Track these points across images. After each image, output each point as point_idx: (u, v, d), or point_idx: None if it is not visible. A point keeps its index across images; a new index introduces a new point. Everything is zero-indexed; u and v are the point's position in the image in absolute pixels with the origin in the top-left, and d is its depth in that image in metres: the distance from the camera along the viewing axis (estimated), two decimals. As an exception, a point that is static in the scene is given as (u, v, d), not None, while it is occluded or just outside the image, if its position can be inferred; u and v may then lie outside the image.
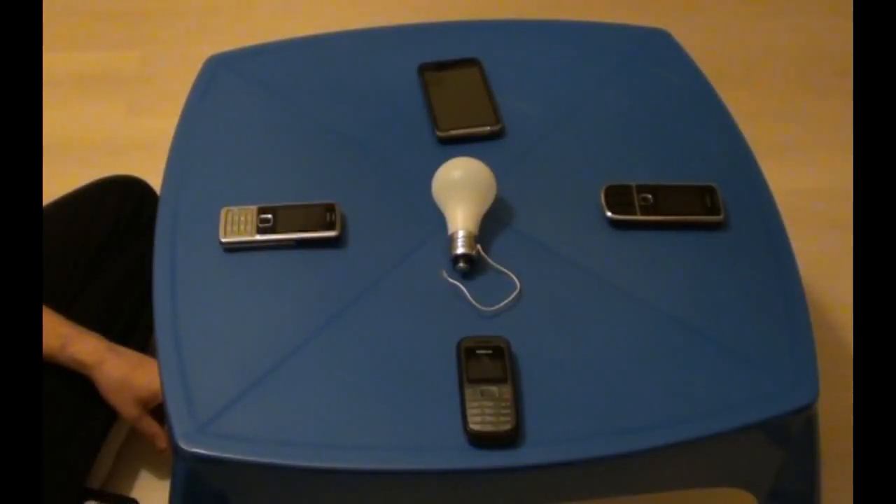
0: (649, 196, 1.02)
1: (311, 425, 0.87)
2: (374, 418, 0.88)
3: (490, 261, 0.97)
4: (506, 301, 0.94)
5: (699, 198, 1.02)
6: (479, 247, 0.97)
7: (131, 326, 1.20)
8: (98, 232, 1.20)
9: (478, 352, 0.89)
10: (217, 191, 1.03)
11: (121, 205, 1.22)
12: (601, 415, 0.88)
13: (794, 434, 0.94)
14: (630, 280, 0.97)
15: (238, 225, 0.99)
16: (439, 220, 0.99)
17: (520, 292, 0.95)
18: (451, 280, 0.96)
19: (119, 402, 1.12)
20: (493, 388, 0.87)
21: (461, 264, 0.96)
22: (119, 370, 1.11)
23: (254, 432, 0.86)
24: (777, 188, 1.05)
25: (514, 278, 0.96)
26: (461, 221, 0.97)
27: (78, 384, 1.11)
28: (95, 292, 1.18)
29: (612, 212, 1.01)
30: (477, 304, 0.94)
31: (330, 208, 1.00)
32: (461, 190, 0.99)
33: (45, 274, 1.10)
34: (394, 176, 1.06)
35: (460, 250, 0.96)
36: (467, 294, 0.94)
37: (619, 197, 1.02)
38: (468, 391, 0.87)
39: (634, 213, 1.01)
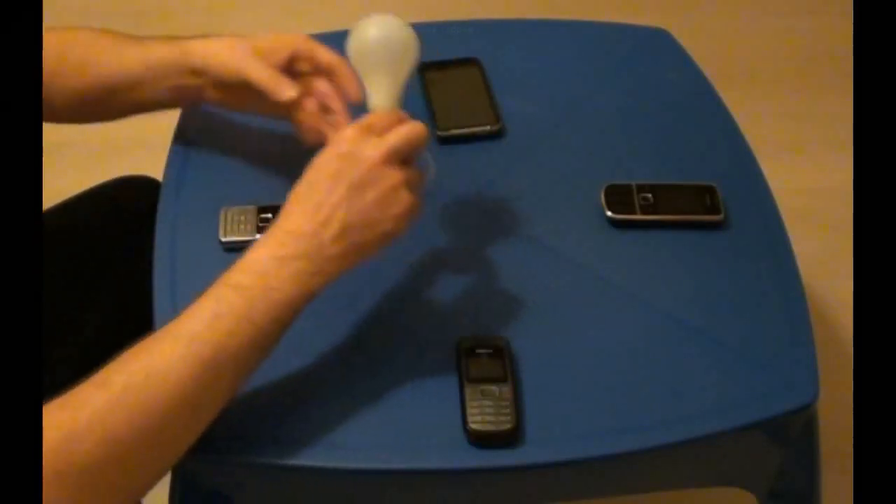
0: (649, 196, 1.02)
1: (311, 425, 0.87)
2: (374, 418, 0.88)
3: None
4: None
5: (699, 197, 1.02)
6: None
7: (143, 327, 1.19)
8: (112, 232, 1.20)
9: (478, 351, 0.89)
10: (217, 191, 1.03)
11: (135, 204, 1.21)
12: (601, 414, 0.88)
13: (794, 434, 0.94)
14: (630, 279, 0.97)
15: (238, 225, 0.99)
16: (439, 219, 0.99)
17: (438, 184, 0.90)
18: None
19: (240, 64, 0.96)
20: (493, 388, 0.87)
21: None
22: (217, 39, 0.98)
23: (253, 432, 0.86)
24: (777, 188, 1.05)
25: (428, 155, 0.90)
26: (377, 98, 0.89)
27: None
28: (109, 292, 1.17)
29: (612, 211, 1.01)
30: None
31: (330, 208, 1.00)
32: (375, 57, 0.90)
33: (56, 273, 1.10)
34: (394, 176, 1.06)
35: None
36: None
37: (619, 197, 1.02)
38: (468, 390, 0.87)
39: (634, 213, 1.01)
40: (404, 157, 0.84)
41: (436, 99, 1.12)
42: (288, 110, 0.97)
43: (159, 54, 0.99)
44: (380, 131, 0.84)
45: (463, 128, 1.09)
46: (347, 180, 0.82)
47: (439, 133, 1.08)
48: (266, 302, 0.80)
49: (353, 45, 0.91)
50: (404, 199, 0.83)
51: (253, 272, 0.81)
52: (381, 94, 0.89)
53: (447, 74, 1.15)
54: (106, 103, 1.02)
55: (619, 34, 1.24)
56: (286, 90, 0.94)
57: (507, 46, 1.20)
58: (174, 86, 0.99)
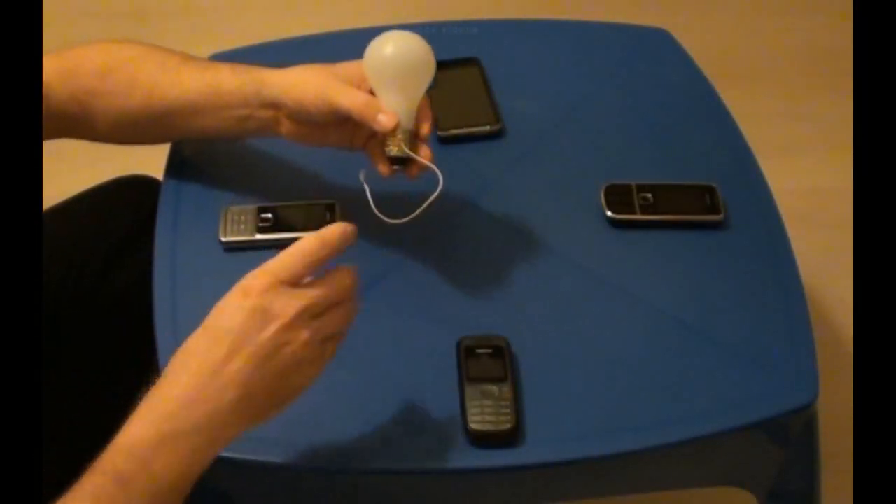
0: (649, 195, 1.02)
1: (312, 425, 0.87)
2: (375, 418, 0.88)
3: (418, 158, 0.88)
4: (423, 206, 0.87)
5: (699, 197, 1.02)
6: (405, 148, 0.87)
7: (142, 328, 1.19)
8: (114, 230, 1.19)
9: (478, 351, 0.89)
10: (217, 191, 1.03)
11: (135, 204, 1.21)
12: (601, 414, 0.88)
13: (794, 434, 0.94)
14: (630, 279, 0.97)
15: (238, 225, 0.99)
16: (439, 219, 0.99)
17: (440, 192, 0.86)
18: (363, 182, 0.89)
19: (327, 91, 0.87)
20: (493, 388, 0.87)
21: (394, 167, 0.89)
22: (296, 68, 0.91)
23: (254, 432, 0.86)
24: (777, 188, 1.05)
25: (438, 172, 0.87)
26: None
27: (97, 385, 1.10)
28: (109, 292, 1.17)
29: (612, 211, 1.01)
30: (381, 215, 0.88)
31: (330, 208, 1.00)
32: (390, 74, 0.87)
33: (57, 270, 1.09)
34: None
35: (393, 153, 0.87)
36: (371, 199, 0.88)
37: (619, 196, 1.02)
38: (468, 390, 0.87)
39: (634, 213, 1.01)
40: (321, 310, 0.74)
41: (436, 99, 1.11)
42: (367, 142, 0.91)
43: (226, 82, 0.92)
44: (296, 279, 0.74)
45: (463, 128, 1.09)
46: (253, 342, 0.71)
47: (439, 133, 1.08)
48: (150, 493, 0.69)
49: (368, 60, 0.88)
50: (316, 358, 0.74)
51: (135, 457, 0.69)
52: (397, 110, 0.87)
53: (447, 74, 1.15)
54: (159, 127, 0.97)
55: (619, 34, 1.24)
56: (385, 119, 0.85)
57: (507, 46, 1.20)
58: (242, 116, 0.93)
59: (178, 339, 0.91)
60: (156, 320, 0.94)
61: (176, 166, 1.07)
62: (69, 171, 1.22)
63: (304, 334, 0.73)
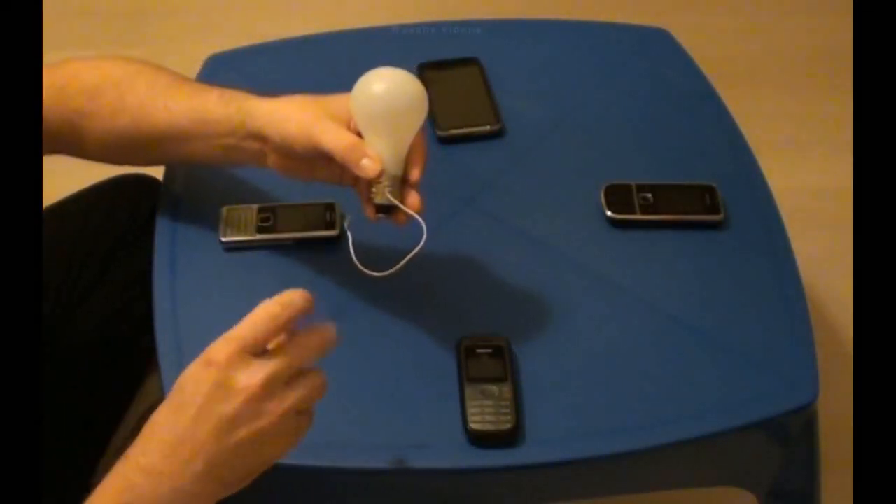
0: (649, 195, 1.02)
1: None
2: (375, 417, 0.88)
3: (403, 207, 0.84)
4: (404, 260, 0.84)
5: (699, 197, 1.02)
6: (390, 196, 0.83)
7: (141, 328, 1.19)
8: (113, 229, 1.19)
9: (478, 351, 0.89)
10: (217, 191, 1.03)
11: (137, 203, 1.21)
12: (601, 414, 0.88)
13: (794, 433, 0.94)
14: (630, 279, 0.97)
15: (238, 224, 0.99)
16: (439, 219, 0.99)
17: (425, 244, 0.83)
18: (347, 231, 0.87)
19: (312, 130, 0.83)
20: (494, 388, 0.87)
21: (379, 214, 0.85)
22: (284, 101, 0.87)
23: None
24: (777, 188, 1.05)
25: (423, 224, 0.83)
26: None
27: (88, 382, 1.10)
28: (107, 290, 1.17)
29: (612, 211, 1.01)
30: (362, 267, 0.85)
31: (330, 208, 1.00)
32: (378, 114, 0.82)
33: (56, 269, 1.09)
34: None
35: (377, 200, 0.83)
36: (352, 250, 0.86)
37: (619, 196, 1.02)
38: (468, 390, 0.87)
39: (634, 213, 1.01)
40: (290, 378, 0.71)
41: (436, 99, 1.11)
42: (356, 181, 0.86)
43: (213, 110, 0.89)
44: (261, 344, 0.71)
45: (463, 128, 1.09)
46: (217, 414, 0.68)
47: (439, 133, 1.08)
48: None
49: (355, 98, 0.83)
50: (284, 430, 0.70)
51: None
52: (383, 154, 0.82)
53: (447, 74, 1.15)
54: (147, 150, 0.94)
55: (619, 34, 1.24)
56: (369, 166, 0.81)
57: (507, 46, 1.20)
58: (229, 145, 0.89)
59: (178, 340, 0.92)
60: (156, 320, 0.94)
61: (175, 166, 1.06)
62: (68, 169, 1.21)
63: (279, 406, 0.70)
